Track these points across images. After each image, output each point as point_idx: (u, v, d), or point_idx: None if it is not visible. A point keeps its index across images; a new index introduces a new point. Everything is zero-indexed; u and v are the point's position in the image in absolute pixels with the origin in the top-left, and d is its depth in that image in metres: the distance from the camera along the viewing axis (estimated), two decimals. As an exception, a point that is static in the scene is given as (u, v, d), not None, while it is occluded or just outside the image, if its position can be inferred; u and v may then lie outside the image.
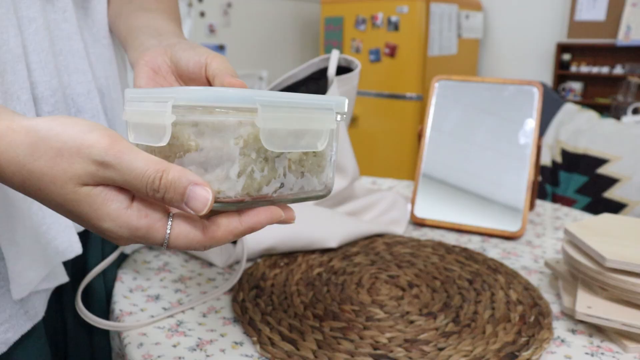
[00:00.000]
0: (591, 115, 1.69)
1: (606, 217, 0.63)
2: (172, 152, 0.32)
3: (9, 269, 0.43)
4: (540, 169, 1.41)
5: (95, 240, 0.60)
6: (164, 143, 0.31)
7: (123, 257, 0.67)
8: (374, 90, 3.06)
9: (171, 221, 0.31)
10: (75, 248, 0.48)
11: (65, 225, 0.48)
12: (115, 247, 0.64)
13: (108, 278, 0.62)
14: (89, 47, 0.54)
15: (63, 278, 0.50)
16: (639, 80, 2.71)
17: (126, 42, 0.50)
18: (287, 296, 0.58)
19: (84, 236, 0.58)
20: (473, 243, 0.77)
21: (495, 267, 0.66)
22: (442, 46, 3.03)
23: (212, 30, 3.47)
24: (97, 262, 0.60)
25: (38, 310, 0.48)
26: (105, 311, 0.60)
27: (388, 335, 0.51)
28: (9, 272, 0.43)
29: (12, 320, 0.45)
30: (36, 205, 0.45)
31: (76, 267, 0.58)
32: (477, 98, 0.86)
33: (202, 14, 3.40)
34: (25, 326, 0.46)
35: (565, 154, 1.62)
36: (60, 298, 0.57)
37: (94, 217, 0.30)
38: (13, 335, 0.45)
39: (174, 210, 0.32)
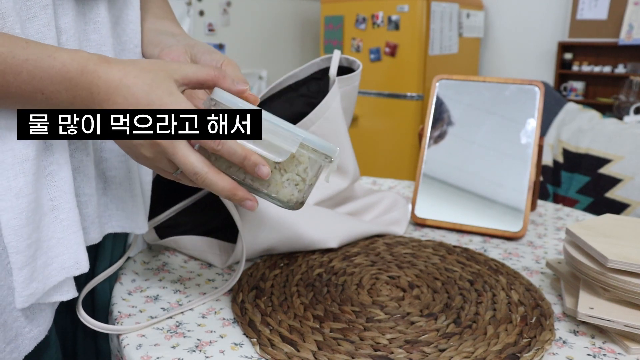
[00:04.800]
0: (593, 114, 1.68)
1: (608, 218, 0.63)
2: (277, 165, 0.43)
3: (14, 278, 0.42)
4: (541, 169, 1.40)
5: (106, 248, 0.60)
6: (281, 159, 0.42)
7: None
8: (375, 89, 3.06)
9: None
10: (82, 266, 0.47)
11: (75, 242, 0.47)
12: (122, 254, 0.64)
13: (113, 281, 0.62)
14: (118, 56, 0.54)
15: (72, 293, 0.48)
16: (640, 79, 2.71)
17: (142, 41, 0.56)
18: (287, 297, 0.58)
19: (95, 245, 0.57)
20: (474, 243, 0.76)
21: (497, 268, 0.66)
22: (443, 45, 3.03)
23: (211, 29, 3.46)
24: (105, 267, 0.60)
25: (41, 329, 0.47)
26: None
27: (389, 336, 0.51)
28: (13, 281, 0.43)
29: (18, 339, 0.45)
30: (48, 219, 0.45)
31: (86, 272, 0.58)
32: (478, 97, 0.85)
33: (202, 13, 3.40)
34: (29, 346, 0.46)
35: (567, 153, 1.61)
36: (71, 305, 0.57)
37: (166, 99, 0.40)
38: (18, 355, 0.45)
39: None
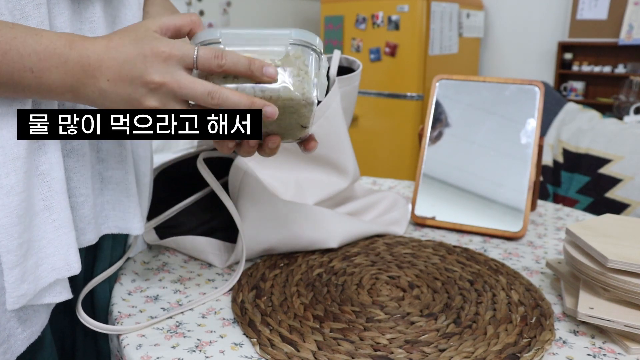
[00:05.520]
0: (593, 114, 1.68)
1: (608, 218, 0.63)
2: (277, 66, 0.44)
3: (5, 278, 0.42)
4: (541, 169, 1.40)
5: (105, 248, 0.59)
6: (279, 59, 0.43)
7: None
8: (375, 89, 3.05)
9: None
10: (73, 267, 0.47)
11: (66, 243, 0.46)
12: (122, 254, 0.64)
13: (112, 282, 0.62)
14: None
15: (64, 295, 0.48)
16: (640, 79, 2.70)
17: None
18: (287, 297, 0.58)
19: (95, 246, 0.57)
20: (474, 243, 0.76)
21: (497, 268, 0.66)
22: (443, 45, 3.03)
23: (212, 29, 3.46)
24: (104, 268, 0.60)
25: (35, 329, 0.47)
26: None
27: (388, 336, 0.51)
28: (4, 281, 0.42)
29: (11, 340, 0.45)
30: (40, 219, 0.45)
31: (85, 273, 0.57)
32: (478, 97, 0.85)
33: (202, 13, 3.40)
34: (22, 347, 0.45)
35: (567, 153, 1.61)
36: (70, 305, 0.57)
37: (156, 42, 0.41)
38: (10, 357, 0.45)
39: None
